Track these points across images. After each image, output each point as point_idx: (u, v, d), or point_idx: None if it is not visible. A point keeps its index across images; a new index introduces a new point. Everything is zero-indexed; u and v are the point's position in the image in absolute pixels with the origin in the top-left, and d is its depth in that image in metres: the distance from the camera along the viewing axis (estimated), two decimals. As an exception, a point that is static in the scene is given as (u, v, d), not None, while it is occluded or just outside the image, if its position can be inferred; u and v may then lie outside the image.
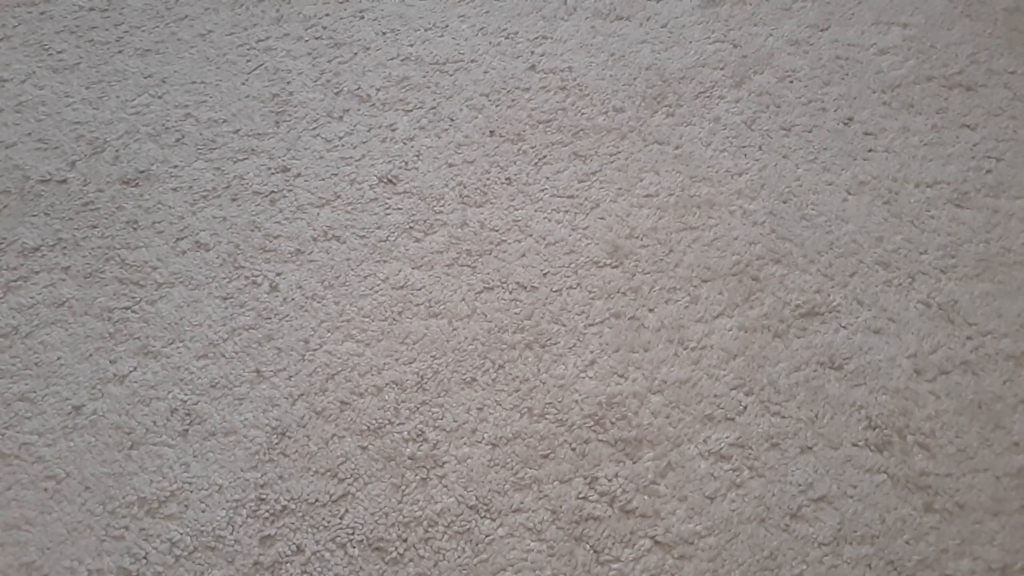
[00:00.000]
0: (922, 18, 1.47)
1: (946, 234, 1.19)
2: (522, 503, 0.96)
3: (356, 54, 1.41)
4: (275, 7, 1.48)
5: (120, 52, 1.40)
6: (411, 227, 1.19)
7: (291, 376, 1.05)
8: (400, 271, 1.15)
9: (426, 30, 1.45)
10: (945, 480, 0.98)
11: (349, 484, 0.97)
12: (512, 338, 1.09)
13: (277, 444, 0.99)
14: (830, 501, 0.96)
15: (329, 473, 0.97)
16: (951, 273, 1.15)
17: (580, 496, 0.96)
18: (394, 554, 0.92)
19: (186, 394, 1.03)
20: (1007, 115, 1.33)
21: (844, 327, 1.10)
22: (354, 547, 0.92)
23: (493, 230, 1.19)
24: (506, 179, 1.25)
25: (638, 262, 1.16)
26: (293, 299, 1.12)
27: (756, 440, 1.00)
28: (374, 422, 1.01)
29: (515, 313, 1.11)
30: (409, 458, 0.99)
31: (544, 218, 1.21)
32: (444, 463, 0.98)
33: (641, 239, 1.18)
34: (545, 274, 1.15)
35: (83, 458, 0.98)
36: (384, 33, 1.44)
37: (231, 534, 0.93)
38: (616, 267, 1.16)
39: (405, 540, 0.93)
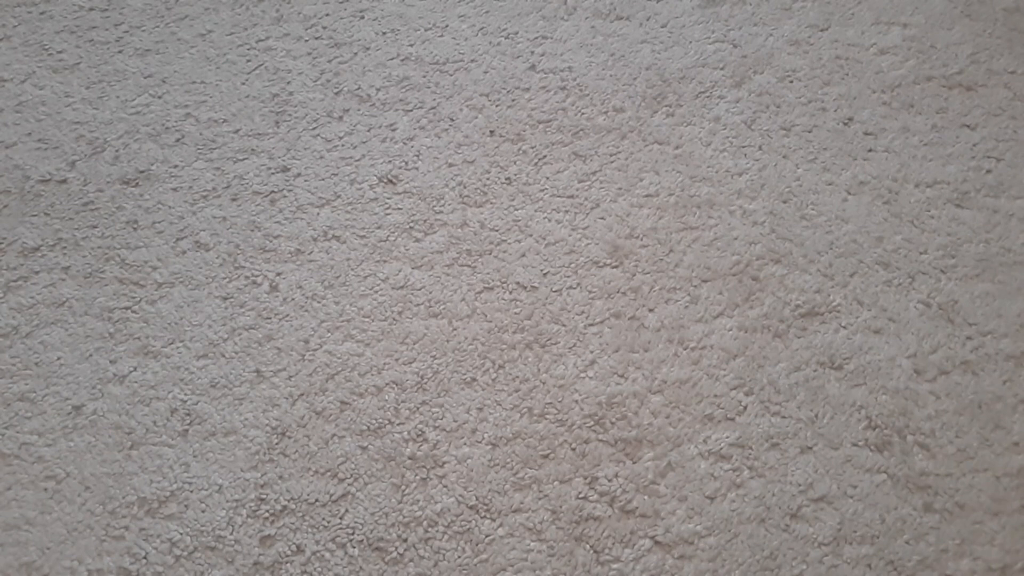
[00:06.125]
0: (922, 18, 1.47)
1: (946, 234, 1.19)
2: (522, 503, 0.96)
3: (356, 54, 1.41)
4: (275, 7, 1.48)
5: (120, 52, 1.40)
6: (411, 227, 1.19)
7: (291, 376, 1.05)
8: (400, 271, 1.15)
9: (426, 30, 1.45)
10: (945, 480, 0.98)
11: (349, 484, 0.97)
12: (512, 338, 1.09)
13: (277, 444, 0.99)
14: (830, 501, 0.96)
15: (329, 473, 0.97)
16: (951, 273, 1.15)
17: (580, 496, 0.96)
18: (394, 554, 0.92)
19: (186, 394, 1.03)
20: (1007, 115, 1.33)
21: (844, 327, 1.10)
22: (354, 547, 0.92)
23: (493, 230, 1.19)
24: (506, 179, 1.25)
25: (638, 262, 1.16)
26: (293, 299, 1.12)
27: (756, 440, 1.00)
28: (374, 422, 1.01)
29: (515, 313, 1.11)
30: (409, 458, 0.99)
31: (544, 218, 1.21)
32: (444, 463, 0.98)
33: (641, 239, 1.18)
34: (545, 274, 1.15)
35: (83, 458, 0.98)
36: (384, 33, 1.44)
37: (231, 534, 0.93)
38: (616, 267, 1.16)
39: (405, 540, 0.93)
